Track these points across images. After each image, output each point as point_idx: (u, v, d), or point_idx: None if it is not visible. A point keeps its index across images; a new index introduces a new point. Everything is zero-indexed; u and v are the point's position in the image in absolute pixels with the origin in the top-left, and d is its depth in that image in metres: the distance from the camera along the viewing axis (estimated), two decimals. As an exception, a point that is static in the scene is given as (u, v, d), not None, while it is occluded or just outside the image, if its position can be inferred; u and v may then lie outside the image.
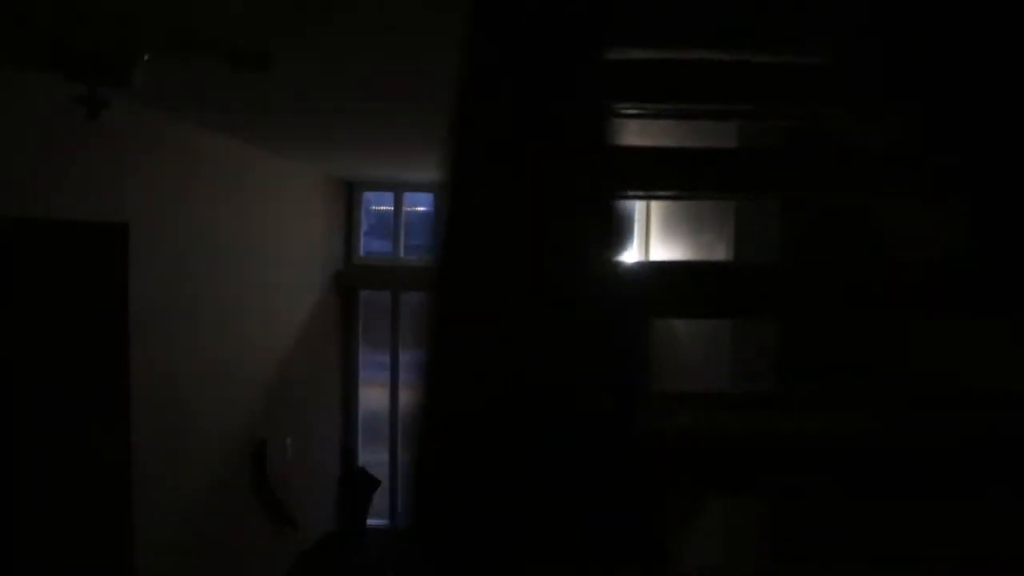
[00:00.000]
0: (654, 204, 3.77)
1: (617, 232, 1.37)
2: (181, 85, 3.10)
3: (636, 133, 2.20)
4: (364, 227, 7.50)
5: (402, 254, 7.46)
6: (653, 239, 3.80)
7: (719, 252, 2.63)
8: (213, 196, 4.51)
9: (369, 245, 7.60)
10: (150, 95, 2.86)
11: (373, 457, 7.63)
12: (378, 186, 7.42)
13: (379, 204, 8.14)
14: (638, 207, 3.88)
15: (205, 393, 4.49)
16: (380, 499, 7.27)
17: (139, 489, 3.71)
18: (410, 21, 2.30)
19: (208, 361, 4.51)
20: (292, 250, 5.94)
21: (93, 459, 3.53)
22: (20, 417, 3.35)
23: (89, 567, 3.53)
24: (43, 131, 3.01)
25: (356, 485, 7.16)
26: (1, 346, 3.15)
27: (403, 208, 7.45)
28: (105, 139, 3.38)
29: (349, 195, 7.29)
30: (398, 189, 7.33)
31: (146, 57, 1.91)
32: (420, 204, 7.92)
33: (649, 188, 1.77)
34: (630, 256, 3.76)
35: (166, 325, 3.96)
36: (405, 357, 7.57)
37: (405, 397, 7.57)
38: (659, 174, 1.64)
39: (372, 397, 7.81)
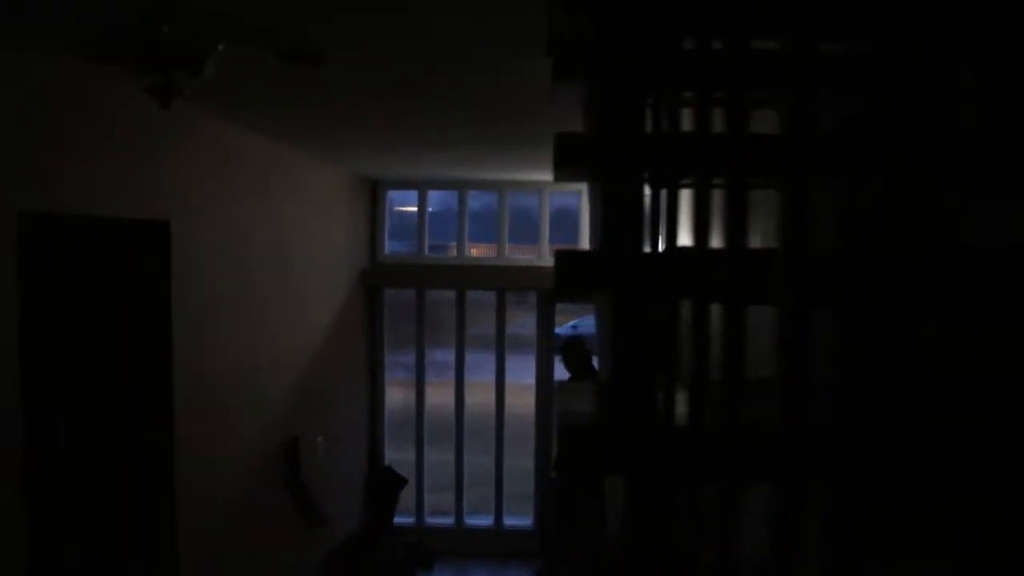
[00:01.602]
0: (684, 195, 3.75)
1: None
2: (222, 80, 3.10)
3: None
4: (387, 225, 7.51)
5: (426, 252, 7.46)
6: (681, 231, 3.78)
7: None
8: (243, 193, 4.51)
9: (390, 247, 7.61)
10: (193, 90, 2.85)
11: (396, 456, 7.65)
12: (402, 184, 7.42)
13: (401, 204, 8.13)
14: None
15: (240, 390, 4.49)
16: (406, 497, 7.28)
17: (180, 485, 3.72)
18: (448, 18, 2.29)
19: (242, 358, 4.52)
20: (319, 248, 5.94)
21: (138, 455, 3.53)
22: (66, 415, 3.35)
23: (137, 561, 3.54)
24: (89, 127, 3.02)
25: (383, 484, 7.15)
26: (48, 344, 3.14)
27: (427, 206, 7.45)
28: (146, 135, 3.39)
29: (373, 193, 7.30)
30: (422, 187, 7.32)
31: (221, 47, 1.91)
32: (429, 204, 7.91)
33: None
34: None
35: (202, 322, 3.96)
36: (432, 356, 7.59)
37: (432, 396, 7.59)
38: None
39: (394, 397, 7.83)
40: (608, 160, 1.53)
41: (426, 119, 4.08)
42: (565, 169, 1.82)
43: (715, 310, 1.53)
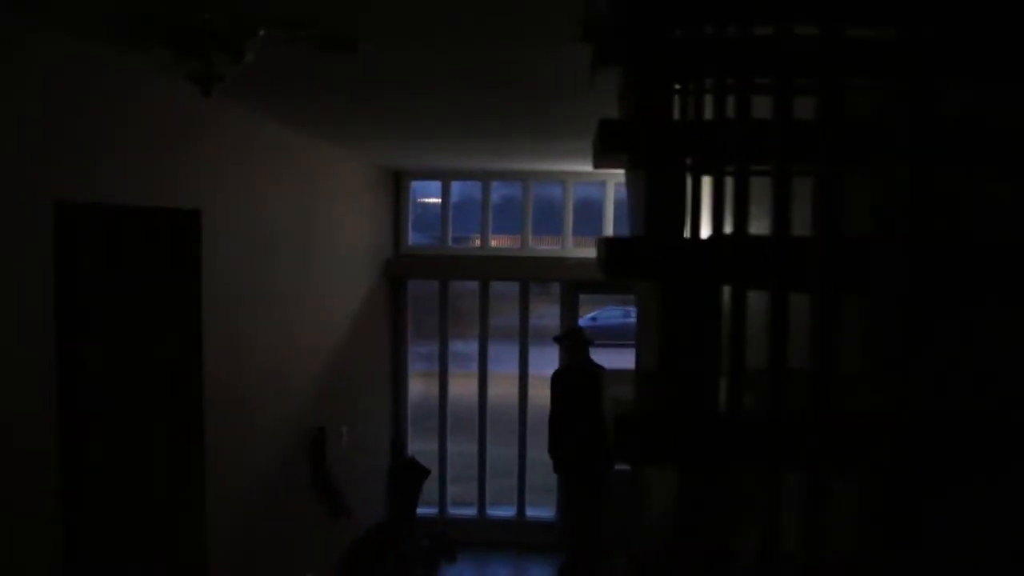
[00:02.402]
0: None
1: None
2: (252, 70, 3.10)
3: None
4: (410, 216, 7.51)
5: (450, 243, 7.44)
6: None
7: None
8: (269, 183, 4.51)
9: (412, 239, 7.60)
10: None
11: (416, 447, 7.67)
12: (425, 175, 7.40)
13: (423, 196, 8.12)
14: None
15: (266, 379, 4.51)
16: (429, 488, 7.29)
17: (209, 475, 3.74)
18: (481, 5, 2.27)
19: (268, 348, 4.53)
20: (343, 239, 5.95)
21: (169, 446, 3.55)
22: (98, 405, 3.37)
23: (167, 551, 3.56)
24: (121, 116, 3.02)
25: (406, 474, 7.17)
26: (80, 335, 3.16)
27: (451, 197, 7.42)
28: (175, 124, 3.39)
29: (396, 184, 7.30)
30: (445, 177, 7.31)
31: (262, 32, 1.90)
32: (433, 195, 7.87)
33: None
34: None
35: (229, 312, 3.97)
36: (452, 347, 7.57)
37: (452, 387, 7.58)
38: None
39: (414, 388, 7.83)
40: (659, 146, 1.50)
41: (453, 109, 4.06)
42: (608, 156, 1.80)
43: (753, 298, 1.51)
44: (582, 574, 6.56)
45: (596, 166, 2.09)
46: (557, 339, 6.84)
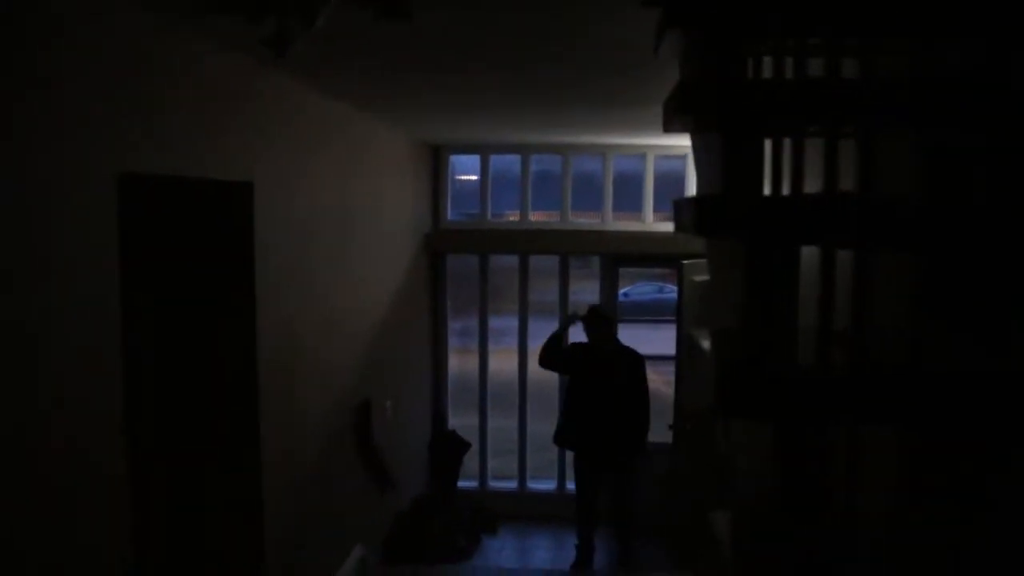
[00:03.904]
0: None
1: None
2: (304, 41, 3.08)
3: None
4: (450, 190, 7.50)
5: (489, 217, 7.43)
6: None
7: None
8: (317, 156, 4.51)
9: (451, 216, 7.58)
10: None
11: (457, 422, 7.70)
12: (465, 148, 7.38)
13: (462, 174, 8.10)
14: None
15: (317, 353, 4.54)
16: (470, 462, 7.34)
17: (264, 448, 3.77)
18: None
19: (318, 321, 4.55)
20: (386, 213, 5.96)
21: (226, 420, 3.59)
22: (157, 381, 3.41)
23: (223, 528, 3.61)
24: (179, 89, 3.03)
25: (447, 447, 7.22)
26: (142, 305, 3.19)
27: (490, 172, 7.39)
28: (228, 96, 3.40)
29: (436, 158, 7.29)
30: (484, 151, 7.28)
31: (337, -4, 1.89)
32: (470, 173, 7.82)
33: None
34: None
35: (278, 285, 3.98)
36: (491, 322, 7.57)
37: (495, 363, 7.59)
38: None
39: (450, 364, 7.84)
40: (744, 105, 1.48)
41: (502, 79, 4.03)
42: (682, 117, 1.77)
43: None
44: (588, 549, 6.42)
45: (666, 130, 2.06)
46: (578, 318, 6.33)
